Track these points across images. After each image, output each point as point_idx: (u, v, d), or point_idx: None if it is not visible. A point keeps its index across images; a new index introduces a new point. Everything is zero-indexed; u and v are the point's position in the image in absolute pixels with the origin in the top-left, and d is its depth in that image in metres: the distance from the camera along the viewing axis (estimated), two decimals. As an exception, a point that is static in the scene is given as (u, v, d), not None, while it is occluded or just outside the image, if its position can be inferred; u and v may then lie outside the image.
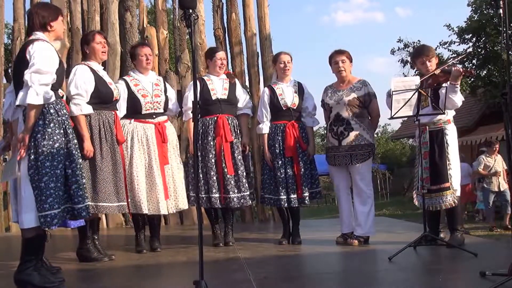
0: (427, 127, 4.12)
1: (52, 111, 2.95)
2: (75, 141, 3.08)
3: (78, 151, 3.09)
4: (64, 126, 2.99)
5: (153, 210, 4.09)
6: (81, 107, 3.70)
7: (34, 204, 2.84)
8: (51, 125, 2.93)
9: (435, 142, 4.10)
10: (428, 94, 3.96)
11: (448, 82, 3.97)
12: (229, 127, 4.33)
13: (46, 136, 2.90)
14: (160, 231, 4.41)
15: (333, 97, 4.44)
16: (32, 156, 2.88)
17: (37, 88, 2.85)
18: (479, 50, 13.01)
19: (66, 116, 3.05)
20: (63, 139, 2.96)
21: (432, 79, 4.04)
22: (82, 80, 3.76)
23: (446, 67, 4.06)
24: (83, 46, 3.97)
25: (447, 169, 4.07)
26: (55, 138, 2.92)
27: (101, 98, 3.83)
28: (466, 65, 12.94)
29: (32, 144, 2.89)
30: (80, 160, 3.12)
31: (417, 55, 4.32)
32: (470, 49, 13.05)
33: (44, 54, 2.92)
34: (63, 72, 3.13)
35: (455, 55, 13.37)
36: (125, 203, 3.86)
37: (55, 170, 2.89)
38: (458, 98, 4.02)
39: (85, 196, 3.08)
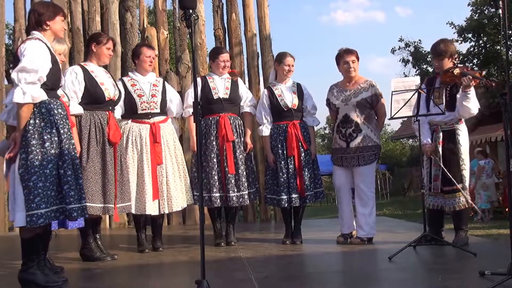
0: (439, 126, 4.12)
1: (43, 110, 2.93)
2: (72, 141, 3.04)
3: (74, 151, 3.05)
4: (57, 126, 2.95)
5: (140, 210, 4.10)
6: (69, 108, 3.68)
7: (24, 203, 2.84)
8: (42, 124, 2.91)
9: (448, 142, 4.09)
10: (443, 93, 3.95)
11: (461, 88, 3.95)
12: (230, 127, 4.35)
13: (36, 135, 2.89)
14: (162, 231, 4.43)
15: (339, 97, 4.44)
16: (23, 155, 2.88)
17: (24, 87, 2.84)
18: (480, 49, 13.02)
19: (62, 115, 3.00)
20: (55, 138, 2.94)
21: (448, 76, 3.99)
22: (70, 81, 3.76)
23: (466, 70, 3.98)
24: (92, 44, 3.94)
25: (461, 170, 4.07)
26: (45, 137, 2.90)
27: (92, 98, 3.82)
28: (468, 66, 12.92)
29: (24, 143, 2.89)
30: (77, 161, 3.07)
31: (431, 50, 4.36)
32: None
33: (32, 52, 2.90)
34: (58, 72, 3.08)
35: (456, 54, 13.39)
36: (112, 205, 3.80)
37: (44, 169, 2.87)
38: (472, 105, 3.98)
39: (79, 197, 3.00)
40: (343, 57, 4.43)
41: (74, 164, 3.01)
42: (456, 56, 4.26)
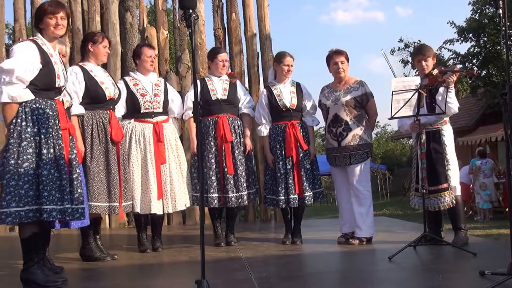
0: (424, 128, 4.14)
1: (27, 109, 2.93)
2: (59, 141, 2.99)
3: (61, 152, 2.98)
4: (39, 126, 2.94)
5: (145, 209, 4.11)
6: (70, 108, 3.67)
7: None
8: (23, 123, 2.92)
9: (433, 143, 4.13)
10: (425, 92, 3.98)
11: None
12: (229, 127, 4.35)
13: (15, 134, 2.90)
14: (161, 230, 4.43)
15: (330, 97, 4.46)
16: (3, 153, 2.91)
17: (3, 87, 2.88)
18: (480, 49, 13.01)
19: (49, 115, 2.98)
20: (36, 138, 2.93)
21: (429, 79, 4.07)
22: (70, 82, 3.75)
23: (443, 68, 4.09)
24: (88, 43, 3.95)
25: (446, 169, 4.10)
26: (23, 136, 2.90)
27: (93, 98, 3.83)
28: (467, 66, 12.91)
29: (6, 141, 2.92)
30: (62, 162, 2.99)
31: (415, 53, 4.42)
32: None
33: (15, 53, 2.93)
34: (51, 73, 3.03)
35: (455, 55, 13.41)
36: (117, 204, 3.81)
37: (19, 168, 2.86)
38: (453, 102, 4.04)
39: (61, 198, 2.92)
40: (332, 58, 4.47)
41: (58, 165, 2.96)
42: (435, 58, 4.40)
